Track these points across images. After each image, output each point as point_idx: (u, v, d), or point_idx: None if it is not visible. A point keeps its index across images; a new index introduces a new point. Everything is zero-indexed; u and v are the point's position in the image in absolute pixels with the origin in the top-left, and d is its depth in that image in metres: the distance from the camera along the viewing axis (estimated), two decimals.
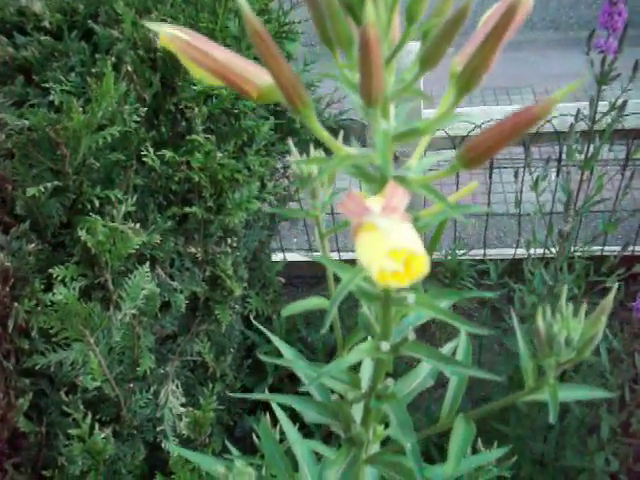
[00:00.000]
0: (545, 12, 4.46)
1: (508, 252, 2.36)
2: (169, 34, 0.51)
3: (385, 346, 0.56)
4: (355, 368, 0.70)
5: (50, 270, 1.20)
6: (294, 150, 0.69)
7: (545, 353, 0.56)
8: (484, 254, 2.34)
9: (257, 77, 0.52)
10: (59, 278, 1.21)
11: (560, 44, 4.02)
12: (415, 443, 0.56)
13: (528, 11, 0.49)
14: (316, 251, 2.68)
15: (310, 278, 2.63)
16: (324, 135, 0.49)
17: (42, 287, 1.21)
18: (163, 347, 1.68)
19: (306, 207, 0.79)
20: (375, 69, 0.42)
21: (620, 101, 1.45)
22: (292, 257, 2.55)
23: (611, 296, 0.56)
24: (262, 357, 0.73)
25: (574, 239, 1.82)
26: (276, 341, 0.77)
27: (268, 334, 0.86)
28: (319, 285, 2.62)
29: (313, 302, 0.70)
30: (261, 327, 0.96)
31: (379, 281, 0.40)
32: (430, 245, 1.84)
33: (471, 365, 0.68)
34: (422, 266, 0.41)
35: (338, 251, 2.58)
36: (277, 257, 2.45)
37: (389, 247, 0.39)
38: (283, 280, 2.29)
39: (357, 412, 0.68)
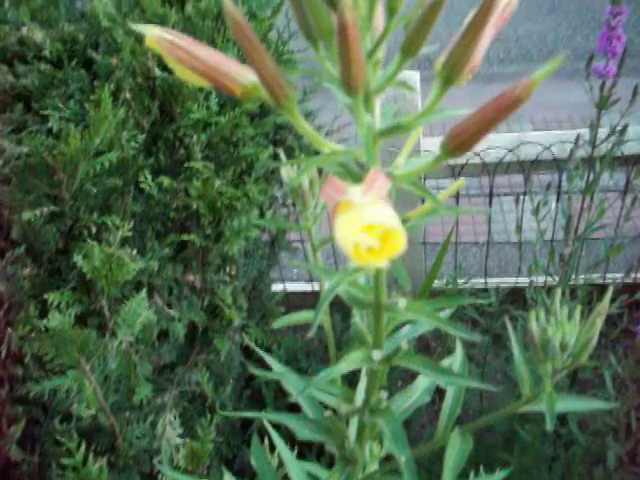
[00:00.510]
0: (542, 44, 4.52)
1: (510, 280, 2.34)
2: (155, 35, 0.51)
3: (377, 355, 0.54)
4: (350, 384, 0.68)
5: (45, 296, 1.19)
6: (284, 158, 0.68)
7: (540, 358, 0.54)
8: (485, 282, 2.32)
9: (241, 75, 0.52)
10: (54, 304, 1.19)
11: (558, 75, 4.04)
12: (410, 457, 0.54)
13: (513, 8, 0.48)
14: (317, 281, 2.66)
15: (310, 308, 2.60)
16: (308, 130, 0.48)
17: (37, 313, 1.20)
18: (161, 376, 1.66)
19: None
20: (354, 54, 0.41)
21: (620, 126, 1.45)
22: (292, 287, 2.53)
23: (607, 299, 0.54)
24: (254, 371, 0.72)
25: (576, 266, 1.80)
26: (271, 361, 0.76)
27: (265, 357, 0.85)
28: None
29: (304, 315, 0.69)
30: (259, 350, 0.95)
31: (355, 258, 0.39)
32: (431, 272, 1.82)
33: (467, 376, 0.67)
34: (399, 242, 0.40)
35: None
36: (277, 287, 2.44)
37: (364, 222, 0.39)
38: (283, 310, 2.27)
39: (352, 429, 0.66)
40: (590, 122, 1.48)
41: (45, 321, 1.17)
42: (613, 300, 1.61)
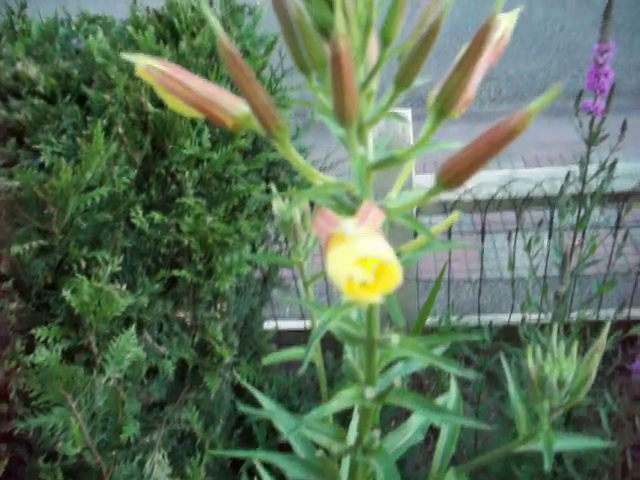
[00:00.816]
0: (533, 83, 4.60)
1: (503, 318, 2.33)
2: (146, 65, 0.51)
3: (370, 392, 0.53)
4: (343, 423, 0.67)
5: (32, 331, 1.17)
6: (275, 191, 0.68)
7: (537, 396, 0.53)
8: (479, 319, 2.30)
9: (232, 106, 0.51)
10: (41, 339, 1.17)
11: (548, 113, 4.10)
12: None
13: (506, 43, 0.48)
14: (310, 319, 2.64)
15: (303, 346, 2.58)
16: (300, 162, 0.48)
17: (23, 348, 1.18)
18: (149, 414, 1.63)
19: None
20: (347, 84, 0.41)
21: (609, 161, 1.46)
22: (285, 325, 2.51)
23: (604, 334, 0.53)
24: (242, 408, 0.70)
25: (569, 303, 1.80)
26: (262, 399, 0.74)
27: (257, 395, 0.83)
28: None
29: (295, 352, 0.67)
30: (250, 388, 0.93)
31: (348, 293, 0.37)
32: (423, 309, 1.81)
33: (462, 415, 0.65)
34: (394, 276, 0.38)
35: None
36: (269, 325, 2.42)
37: (358, 254, 0.37)
38: (275, 348, 2.24)
39: (344, 469, 0.64)
40: (580, 158, 1.49)
41: (31, 357, 1.15)
42: (607, 336, 1.60)
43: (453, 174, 0.47)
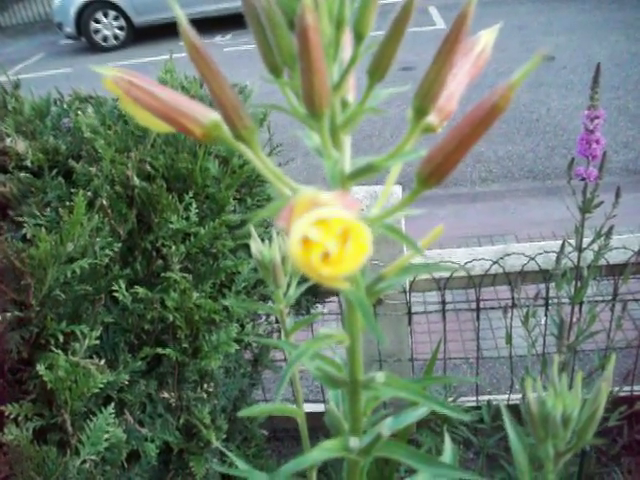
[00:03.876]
0: (522, 163, 4.67)
1: (502, 398, 2.25)
2: (113, 76, 0.48)
3: (354, 443, 0.47)
4: None
5: (2, 408, 1.11)
6: (253, 232, 0.64)
7: (540, 437, 0.47)
8: (477, 400, 2.22)
9: (201, 114, 0.49)
10: (12, 416, 1.11)
11: (539, 192, 4.16)
12: None
13: (487, 56, 0.46)
14: (307, 401, 2.55)
15: (295, 431, 2.47)
16: (268, 166, 0.44)
17: None
18: None
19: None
20: (316, 61, 0.38)
21: (605, 229, 1.44)
22: None
23: (611, 366, 0.48)
24: (215, 467, 0.64)
25: (570, 378, 1.73)
26: (235, 459, 0.68)
27: (230, 455, 0.77)
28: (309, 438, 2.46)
29: (276, 408, 0.62)
30: (225, 450, 0.86)
31: (301, 261, 0.31)
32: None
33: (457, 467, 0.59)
34: (362, 244, 0.32)
35: None
36: None
37: (317, 216, 0.31)
38: (266, 433, 2.15)
39: None
40: (575, 227, 1.47)
41: (0, 435, 1.08)
42: (611, 411, 1.53)
43: (434, 165, 0.42)
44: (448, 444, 0.62)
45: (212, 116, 0.47)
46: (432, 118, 0.45)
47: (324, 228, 0.32)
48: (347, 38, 0.45)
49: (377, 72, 0.43)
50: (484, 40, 0.47)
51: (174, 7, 0.42)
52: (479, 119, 0.40)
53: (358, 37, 0.43)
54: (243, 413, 0.61)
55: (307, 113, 0.41)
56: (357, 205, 0.35)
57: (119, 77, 0.49)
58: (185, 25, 0.43)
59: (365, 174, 0.45)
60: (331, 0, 0.41)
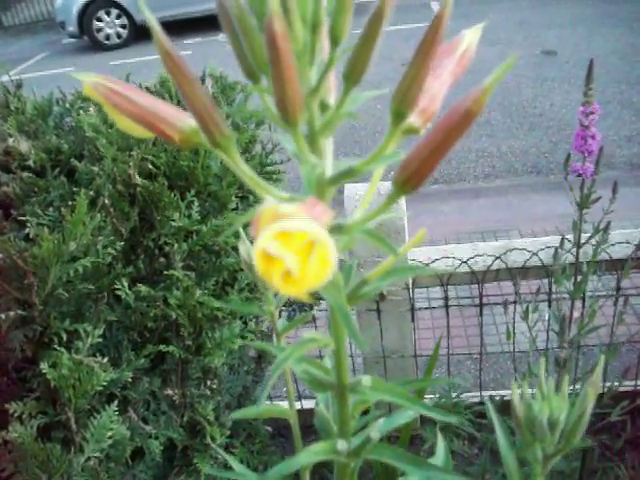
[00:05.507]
0: (526, 158, 4.66)
1: (506, 393, 2.25)
2: (92, 82, 0.49)
3: (342, 445, 0.48)
4: None
5: (7, 406, 1.11)
6: (243, 235, 0.65)
7: (527, 441, 0.47)
8: (480, 396, 2.22)
9: (179, 119, 0.49)
10: (16, 414, 1.11)
11: (542, 188, 4.16)
12: None
13: (471, 56, 0.46)
14: (307, 398, 2.56)
15: (300, 427, 2.48)
16: (246, 172, 0.45)
17: None
18: None
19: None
20: (286, 69, 0.38)
21: (603, 224, 1.44)
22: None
23: (599, 369, 0.49)
24: (209, 470, 0.64)
25: (573, 373, 1.73)
26: (231, 460, 0.69)
27: (226, 456, 0.78)
28: (309, 436, 2.47)
29: (273, 409, 0.63)
30: (220, 451, 0.87)
31: (264, 275, 0.30)
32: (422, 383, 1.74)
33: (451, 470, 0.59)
34: (327, 261, 0.31)
35: None
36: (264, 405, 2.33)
37: (277, 229, 0.30)
38: (270, 430, 2.16)
39: None
40: (573, 222, 1.47)
41: (4, 433, 1.09)
42: (613, 407, 1.53)
43: (411, 171, 0.42)
44: (440, 444, 0.62)
45: (191, 122, 0.48)
46: (414, 119, 0.45)
47: (286, 241, 0.31)
48: (326, 40, 0.45)
49: (352, 76, 0.43)
50: (468, 39, 0.47)
51: (144, 11, 0.42)
52: (453, 124, 0.40)
53: (334, 41, 0.43)
54: (236, 415, 0.62)
55: (281, 120, 0.41)
56: (327, 215, 0.35)
57: (98, 83, 0.49)
58: (158, 31, 0.43)
59: (345, 178, 0.45)
60: (304, 3, 0.41)
